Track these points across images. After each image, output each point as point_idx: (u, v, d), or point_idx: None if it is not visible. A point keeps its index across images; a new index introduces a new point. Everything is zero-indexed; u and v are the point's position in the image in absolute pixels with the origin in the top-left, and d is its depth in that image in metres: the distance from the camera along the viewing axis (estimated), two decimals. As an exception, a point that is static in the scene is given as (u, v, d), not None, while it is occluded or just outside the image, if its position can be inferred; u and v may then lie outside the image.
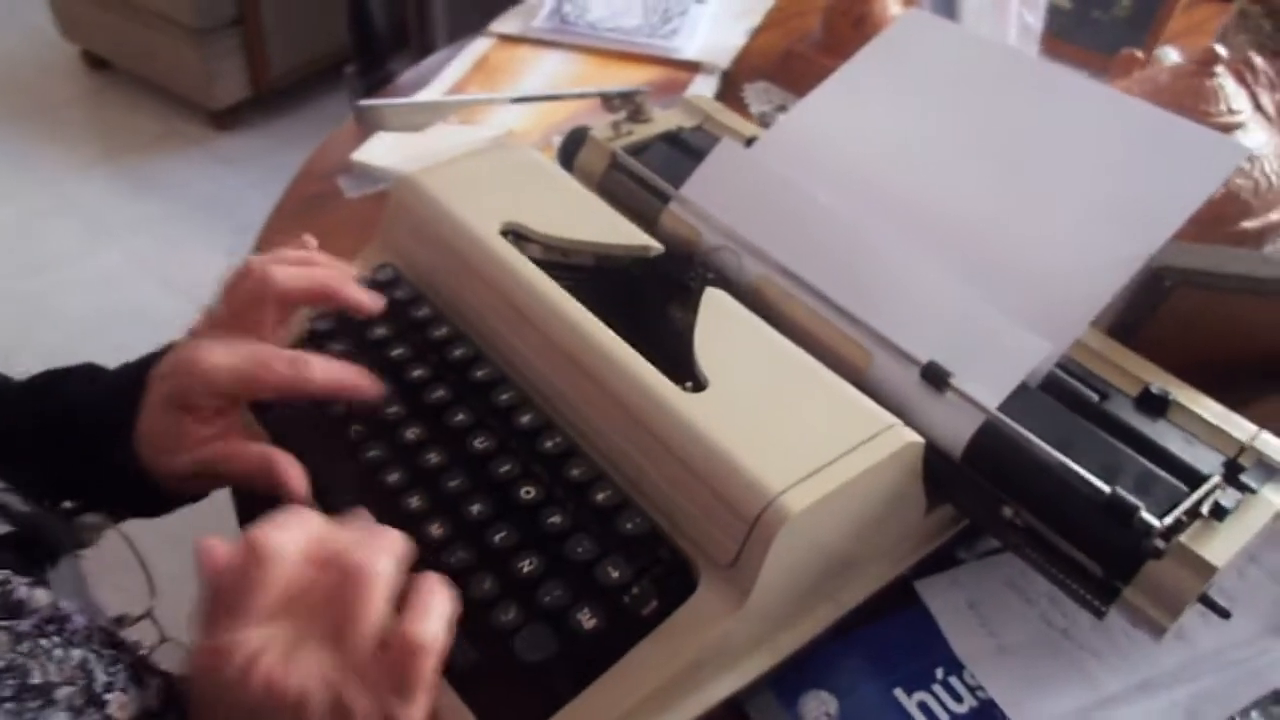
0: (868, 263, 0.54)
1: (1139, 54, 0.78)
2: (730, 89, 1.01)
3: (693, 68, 1.04)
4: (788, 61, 1.01)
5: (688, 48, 1.05)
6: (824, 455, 0.44)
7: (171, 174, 2.33)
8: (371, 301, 0.54)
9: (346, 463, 0.53)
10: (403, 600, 0.39)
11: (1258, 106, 0.72)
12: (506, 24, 1.09)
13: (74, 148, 2.41)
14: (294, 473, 0.49)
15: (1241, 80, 0.71)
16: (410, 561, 0.40)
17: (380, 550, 0.39)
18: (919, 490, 0.50)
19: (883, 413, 0.47)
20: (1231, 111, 0.69)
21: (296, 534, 0.39)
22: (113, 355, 0.57)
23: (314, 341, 0.58)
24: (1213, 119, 0.68)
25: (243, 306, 0.51)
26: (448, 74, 1.00)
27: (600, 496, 0.47)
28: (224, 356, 0.49)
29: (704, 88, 1.00)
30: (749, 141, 0.65)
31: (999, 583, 0.54)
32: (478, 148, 0.65)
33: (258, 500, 0.55)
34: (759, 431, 0.46)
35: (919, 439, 0.47)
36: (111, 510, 0.55)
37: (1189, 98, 0.69)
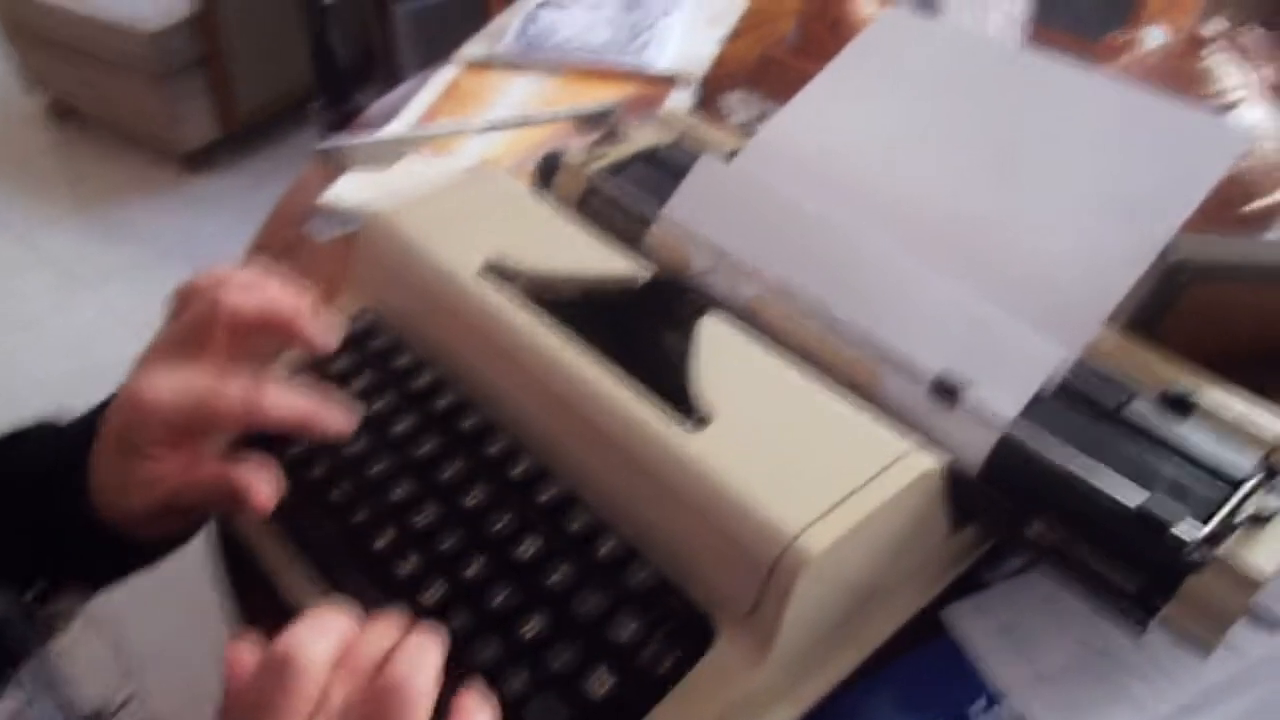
0: (865, 272, 0.52)
1: (1125, 36, 0.76)
2: (707, 99, 0.99)
3: (667, 81, 1.01)
4: (764, 68, 0.99)
5: (659, 61, 1.03)
6: (840, 489, 0.42)
7: (144, 220, 2.30)
8: (324, 335, 0.49)
9: (332, 527, 0.50)
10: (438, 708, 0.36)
11: (1250, 83, 0.70)
12: (473, 49, 1.07)
13: (44, 199, 2.37)
14: (255, 482, 0.45)
15: (1232, 57, 0.69)
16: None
17: (421, 665, 0.36)
18: (941, 515, 0.47)
19: (898, 438, 0.45)
20: (1225, 90, 0.67)
21: (329, 641, 0.36)
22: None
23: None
24: (1207, 98, 0.66)
25: (190, 330, 0.46)
26: (417, 103, 0.98)
27: (604, 549, 0.44)
28: (168, 387, 0.45)
29: (681, 100, 0.98)
30: (731, 154, 0.62)
31: (1030, 604, 0.52)
32: (452, 180, 0.62)
33: (255, 574, 0.52)
34: (768, 468, 0.43)
35: (937, 464, 0.44)
36: (87, 578, 0.51)
37: (1181, 79, 0.67)
